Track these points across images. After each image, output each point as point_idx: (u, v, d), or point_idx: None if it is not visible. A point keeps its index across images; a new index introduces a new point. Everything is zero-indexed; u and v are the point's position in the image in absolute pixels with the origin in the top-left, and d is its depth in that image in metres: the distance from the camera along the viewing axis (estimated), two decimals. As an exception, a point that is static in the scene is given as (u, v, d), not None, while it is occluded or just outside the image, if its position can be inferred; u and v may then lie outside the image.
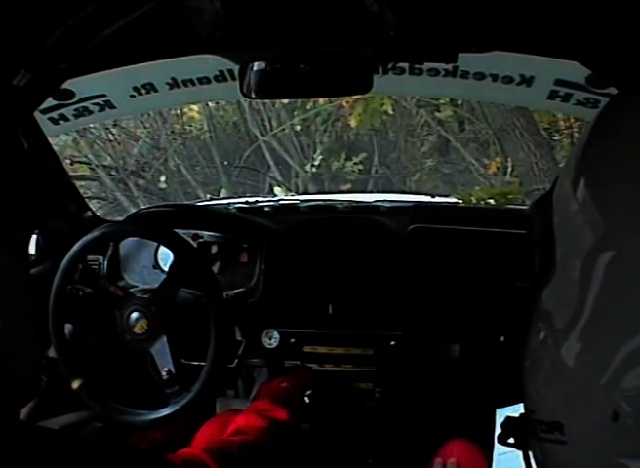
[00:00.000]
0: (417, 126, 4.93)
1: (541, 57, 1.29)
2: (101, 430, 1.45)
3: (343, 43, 1.24)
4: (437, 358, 1.51)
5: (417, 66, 1.66)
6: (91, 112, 1.87)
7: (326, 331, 1.51)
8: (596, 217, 0.53)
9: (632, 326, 0.49)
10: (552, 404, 0.56)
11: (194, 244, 1.52)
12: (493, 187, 3.80)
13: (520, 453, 0.62)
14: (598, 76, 1.39)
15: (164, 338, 1.32)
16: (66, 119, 1.86)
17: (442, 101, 4.35)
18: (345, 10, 1.10)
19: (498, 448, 1.00)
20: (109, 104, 1.86)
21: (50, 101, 1.68)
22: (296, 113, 4.84)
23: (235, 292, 1.52)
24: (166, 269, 1.45)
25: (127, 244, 1.60)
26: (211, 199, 2.76)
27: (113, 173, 5.02)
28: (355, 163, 4.87)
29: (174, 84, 1.81)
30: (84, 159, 5.02)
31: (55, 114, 1.82)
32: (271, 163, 4.94)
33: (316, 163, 4.83)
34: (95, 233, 1.34)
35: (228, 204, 1.88)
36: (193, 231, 1.56)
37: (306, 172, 4.81)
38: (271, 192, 4.76)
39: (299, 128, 4.91)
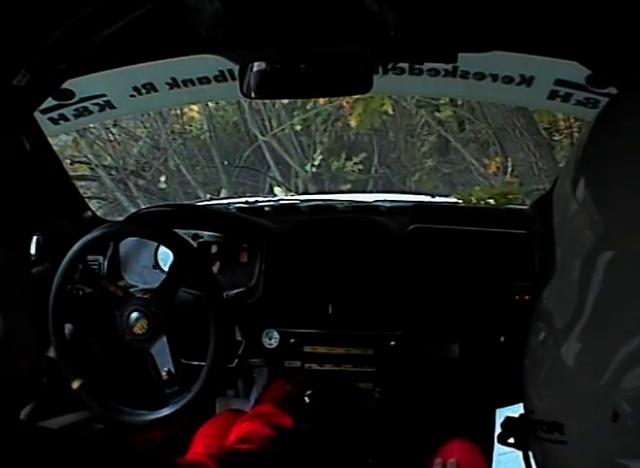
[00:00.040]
0: (417, 126, 4.93)
1: (541, 57, 1.29)
2: (102, 431, 1.45)
3: (343, 43, 1.24)
4: (437, 358, 1.51)
5: (417, 66, 1.66)
6: (91, 112, 1.87)
7: (326, 331, 1.51)
8: (596, 217, 0.53)
9: (632, 326, 0.49)
10: (552, 404, 0.56)
11: (194, 244, 1.52)
12: (493, 187, 3.80)
13: (520, 453, 0.62)
14: (598, 76, 1.39)
15: (164, 338, 1.33)
16: (66, 119, 1.86)
17: (442, 101, 4.35)
18: (345, 10, 1.10)
19: (498, 448, 1.00)
20: (109, 104, 1.86)
21: (50, 101, 1.69)
22: (296, 113, 4.83)
23: (235, 292, 1.52)
24: (166, 269, 1.45)
25: (127, 244, 1.61)
26: (211, 199, 2.76)
27: (113, 173, 5.02)
28: (355, 163, 4.87)
29: (174, 84, 1.81)
30: (84, 159, 5.02)
31: (55, 114, 1.82)
32: (271, 163, 4.94)
33: (316, 163, 4.83)
34: (95, 233, 1.34)
35: (228, 204, 1.88)
36: (193, 231, 1.56)
37: (306, 172, 4.80)
38: (271, 192, 4.76)
39: (299, 128, 4.91)
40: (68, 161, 4.68)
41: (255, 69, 1.23)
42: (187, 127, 5.24)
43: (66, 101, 1.78)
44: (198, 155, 5.24)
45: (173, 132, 5.14)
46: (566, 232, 0.56)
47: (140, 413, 1.34)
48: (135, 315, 1.33)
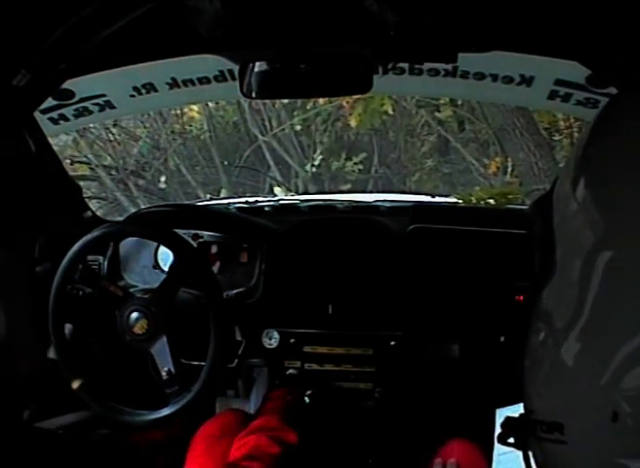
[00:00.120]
0: (417, 126, 4.92)
1: (541, 57, 1.29)
2: (108, 437, 1.45)
3: (343, 43, 1.24)
4: (437, 358, 1.51)
5: (417, 66, 1.66)
6: (91, 112, 1.87)
7: (326, 331, 1.51)
8: (596, 217, 0.53)
9: (632, 326, 0.49)
10: (552, 404, 0.56)
11: (194, 244, 1.52)
12: (493, 187, 3.80)
13: (520, 453, 0.62)
14: (598, 76, 1.39)
15: (164, 338, 1.32)
16: (66, 119, 1.86)
17: (442, 101, 4.35)
18: (345, 10, 1.10)
19: (498, 448, 1.00)
20: (109, 104, 1.86)
21: (50, 101, 1.68)
22: (296, 113, 4.83)
23: (235, 292, 1.52)
24: (166, 269, 1.45)
25: (127, 244, 1.60)
26: (211, 199, 2.76)
27: (113, 173, 5.02)
28: (355, 163, 4.87)
29: (174, 84, 1.81)
30: (84, 159, 5.02)
31: (55, 114, 1.82)
32: (271, 163, 4.94)
33: (316, 163, 4.83)
34: (95, 233, 1.34)
35: (228, 204, 1.88)
36: (193, 231, 1.56)
37: (306, 172, 4.80)
38: (271, 192, 4.76)
39: (299, 128, 4.90)
40: (68, 161, 4.68)
41: (255, 69, 1.23)
42: (187, 127, 5.23)
43: (66, 101, 1.78)
44: (198, 155, 5.24)
45: (173, 132, 5.14)
46: (566, 232, 0.56)
47: (140, 413, 1.33)
48: (135, 315, 1.33)
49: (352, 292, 1.52)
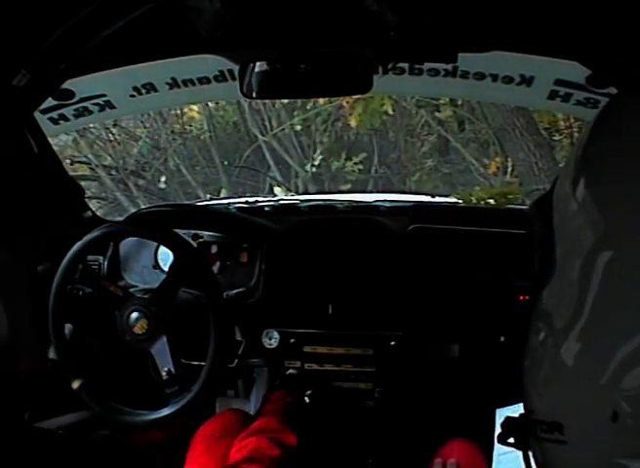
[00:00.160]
0: (417, 126, 4.92)
1: (541, 57, 1.29)
2: (108, 437, 1.45)
3: (343, 43, 1.24)
4: (437, 358, 1.51)
5: (417, 66, 1.66)
6: (91, 112, 1.87)
7: (326, 331, 1.51)
8: (596, 217, 0.53)
9: (632, 326, 0.49)
10: (552, 404, 0.56)
11: (194, 244, 1.52)
12: (493, 187, 3.80)
13: (520, 453, 0.62)
14: (598, 76, 1.39)
15: (164, 338, 1.32)
16: (66, 119, 1.86)
17: (442, 101, 4.35)
18: (345, 10, 1.10)
19: (498, 448, 1.00)
20: (109, 104, 1.86)
21: (50, 101, 1.68)
22: (296, 113, 4.83)
23: (235, 292, 1.52)
24: (166, 269, 1.45)
25: (127, 244, 1.60)
26: (211, 199, 2.76)
27: (113, 173, 5.02)
28: (355, 163, 4.87)
29: (174, 84, 1.81)
30: (84, 159, 5.02)
31: (55, 114, 1.82)
32: (271, 163, 4.94)
33: (316, 163, 4.83)
34: (95, 233, 1.34)
35: (228, 204, 1.88)
36: (193, 231, 1.56)
37: (306, 172, 4.80)
38: (271, 192, 4.76)
39: (299, 128, 4.90)
40: (68, 161, 4.67)
41: (255, 69, 1.23)
42: (187, 127, 5.23)
43: (66, 101, 1.78)
44: (198, 155, 5.24)
45: (173, 132, 5.14)
46: (566, 232, 0.56)
47: (140, 413, 1.33)
48: (135, 315, 1.33)
49: (352, 292, 1.52)
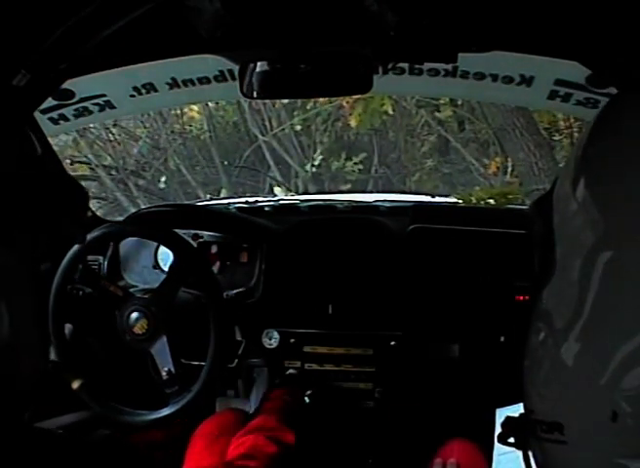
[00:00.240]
0: (417, 126, 4.92)
1: (541, 57, 1.29)
2: (108, 437, 1.45)
3: (343, 43, 1.24)
4: (437, 358, 1.51)
5: (417, 66, 1.66)
6: (91, 112, 1.87)
7: (326, 331, 1.51)
8: (596, 217, 0.53)
9: (632, 326, 0.49)
10: (552, 404, 0.56)
11: (194, 244, 1.52)
12: (493, 187, 3.80)
13: (520, 453, 0.62)
14: (598, 76, 1.38)
15: (164, 338, 1.33)
16: (66, 119, 1.85)
17: (442, 101, 4.35)
18: (345, 10, 1.10)
19: (498, 447, 1.00)
20: (109, 104, 1.86)
21: (50, 101, 1.68)
22: (296, 113, 4.83)
23: (235, 292, 1.52)
24: (166, 269, 1.45)
25: (127, 244, 1.60)
26: (211, 199, 2.76)
27: (113, 173, 5.02)
28: (355, 163, 4.87)
29: (174, 84, 1.80)
30: (84, 159, 5.02)
31: (55, 114, 1.82)
32: (271, 163, 4.94)
33: (316, 163, 4.83)
34: (95, 233, 1.34)
35: (228, 204, 1.88)
36: (193, 231, 1.56)
37: (306, 172, 4.80)
38: (271, 192, 4.76)
39: (299, 128, 4.90)
40: (68, 161, 4.68)
41: (255, 69, 1.23)
42: (187, 127, 5.23)
43: (66, 101, 1.78)
44: (198, 155, 5.24)
45: (173, 132, 5.14)
46: (566, 232, 0.56)
47: (140, 413, 1.34)
48: (135, 315, 1.33)
49: (352, 292, 1.52)
